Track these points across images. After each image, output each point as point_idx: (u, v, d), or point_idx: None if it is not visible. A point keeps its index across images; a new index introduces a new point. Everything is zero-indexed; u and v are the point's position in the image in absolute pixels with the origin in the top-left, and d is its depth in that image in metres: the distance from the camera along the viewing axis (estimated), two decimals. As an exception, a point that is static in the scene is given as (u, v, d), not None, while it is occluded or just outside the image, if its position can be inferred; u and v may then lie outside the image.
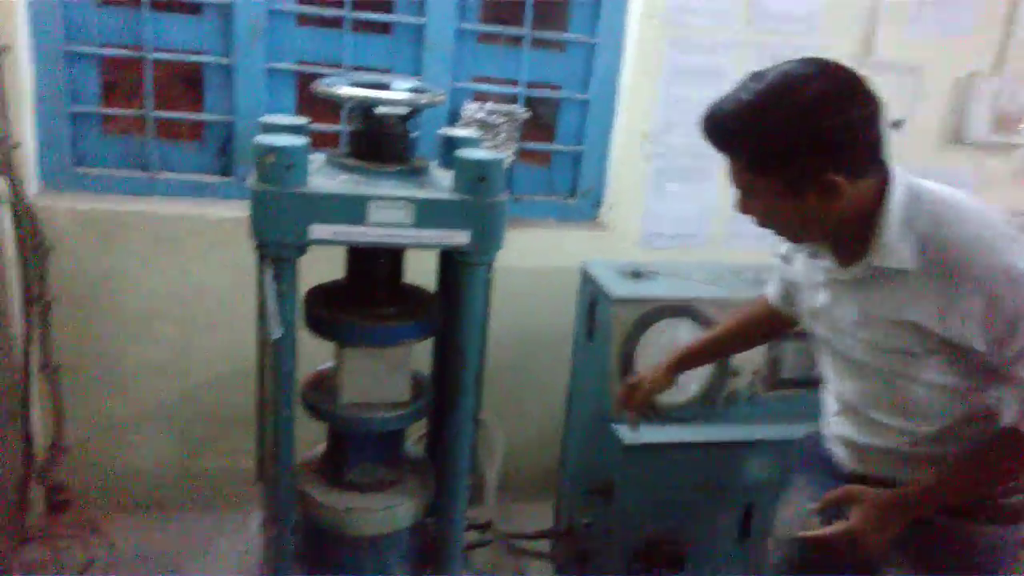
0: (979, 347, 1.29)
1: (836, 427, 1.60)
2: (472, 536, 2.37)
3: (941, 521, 1.44)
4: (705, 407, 2.15)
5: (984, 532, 1.46)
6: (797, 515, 1.66)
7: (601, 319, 2.20)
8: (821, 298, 1.48)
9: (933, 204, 1.32)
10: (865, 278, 1.37)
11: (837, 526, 1.40)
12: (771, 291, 1.77)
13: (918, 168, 1.41)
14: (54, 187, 2.51)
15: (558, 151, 2.84)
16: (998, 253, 1.26)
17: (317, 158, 1.89)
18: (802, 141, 1.26)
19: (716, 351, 1.91)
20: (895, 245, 1.31)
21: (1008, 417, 1.33)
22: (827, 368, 1.58)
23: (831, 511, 1.46)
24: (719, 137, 1.34)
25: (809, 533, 1.45)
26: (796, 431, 1.81)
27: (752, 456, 2.12)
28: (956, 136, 2.91)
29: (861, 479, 1.50)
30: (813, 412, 1.69)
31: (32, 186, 2.44)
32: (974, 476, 1.39)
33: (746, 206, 1.40)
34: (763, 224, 1.41)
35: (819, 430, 1.68)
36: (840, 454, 1.59)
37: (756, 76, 1.31)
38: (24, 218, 2.36)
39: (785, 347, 2.18)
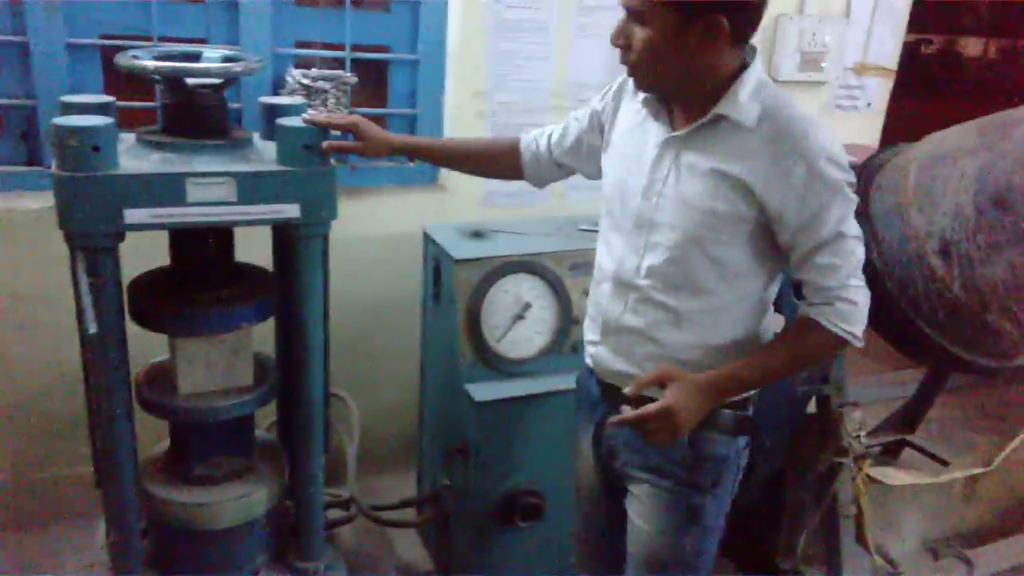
0: (788, 221, 1.42)
1: (591, 335, 1.68)
2: (334, 514, 2.34)
3: (699, 436, 1.55)
4: (551, 359, 2.19)
5: (708, 440, 1.57)
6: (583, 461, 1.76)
7: (446, 281, 2.19)
8: (646, 157, 1.52)
9: (777, 91, 1.46)
10: (702, 132, 1.45)
11: (654, 405, 1.43)
12: (532, 139, 1.83)
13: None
14: None
15: (391, 114, 2.78)
16: (823, 136, 1.40)
17: (127, 138, 1.77)
18: None
19: (443, 156, 1.98)
20: (745, 103, 1.41)
21: (816, 316, 1.46)
22: (609, 248, 1.63)
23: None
24: None
25: (627, 415, 1.44)
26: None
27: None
28: (768, 75, 3.07)
29: (614, 397, 1.57)
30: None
31: None
32: (777, 362, 1.51)
33: (625, 31, 1.42)
34: (633, 60, 1.43)
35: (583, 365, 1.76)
36: (597, 372, 1.68)
37: None
38: None
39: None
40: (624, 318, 1.58)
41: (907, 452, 2.95)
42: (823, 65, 3.13)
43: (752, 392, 1.61)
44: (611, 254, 1.62)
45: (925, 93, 4.21)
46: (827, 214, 1.41)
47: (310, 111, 1.85)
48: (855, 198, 1.44)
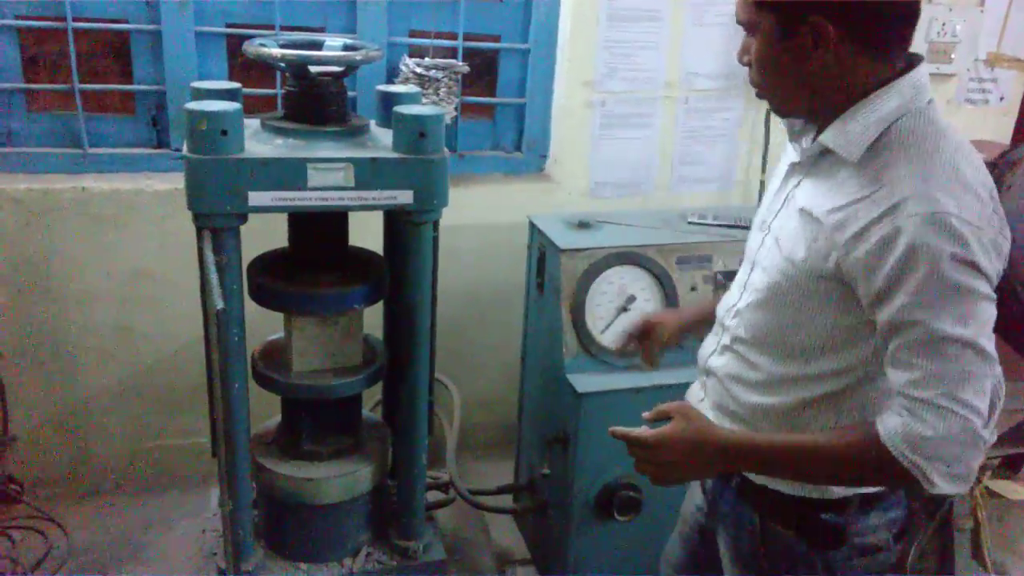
0: (864, 290, 1.14)
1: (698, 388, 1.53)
2: (433, 496, 2.38)
3: (768, 526, 1.38)
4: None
5: (777, 533, 1.37)
6: None
7: (550, 271, 2.19)
8: (775, 186, 1.38)
9: (921, 123, 1.17)
10: (818, 161, 1.26)
11: (648, 430, 1.26)
12: None
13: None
14: (-21, 169, 2.42)
15: (501, 104, 2.80)
16: (943, 192, 1.08)
17: (251, 123, 1.84)
18: None
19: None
20: (854, 132, 1.18)
21: (880, 424, 1.13)
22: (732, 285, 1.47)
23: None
24: None
25: (618, 429, 1.28)
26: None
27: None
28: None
29: None
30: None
31: (-44, 168, 2.35)
32: (815, 459, 1.20)
33: (745, 49, 1.26)
34: (753, 77, 1.27)
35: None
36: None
37: None
38: (-51, 202, 2.27)
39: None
40: (712, 358, 1.44)
41: (1029, 467, 2.80)
42: (952, 56, 2.98)
43: (853, 492, 1.30)
44: (729, 290, 1.47)
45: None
46: (902, 288, 1.08)
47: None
48: (971, 284, 1.07)
